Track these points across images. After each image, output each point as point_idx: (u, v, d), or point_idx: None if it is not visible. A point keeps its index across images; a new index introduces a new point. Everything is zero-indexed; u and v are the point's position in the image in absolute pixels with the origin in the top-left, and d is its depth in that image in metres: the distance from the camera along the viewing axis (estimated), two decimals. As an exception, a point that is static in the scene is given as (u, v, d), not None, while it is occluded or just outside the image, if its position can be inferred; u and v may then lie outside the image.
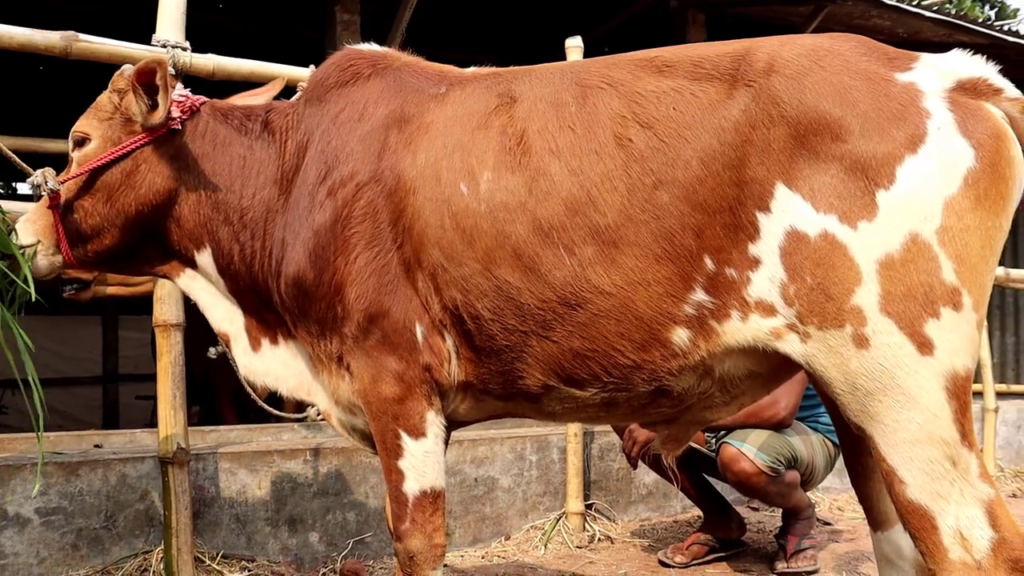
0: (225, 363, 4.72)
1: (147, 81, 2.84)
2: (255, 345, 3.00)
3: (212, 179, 2.92)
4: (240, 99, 3.33)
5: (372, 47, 3.04)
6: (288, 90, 3.60)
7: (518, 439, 5.15)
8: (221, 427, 5.72)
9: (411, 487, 2.66)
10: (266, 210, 2.88)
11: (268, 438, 5.68)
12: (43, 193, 2.88)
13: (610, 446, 5.47)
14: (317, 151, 2.80)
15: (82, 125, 2.97)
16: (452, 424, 2.83)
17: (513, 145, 2.51)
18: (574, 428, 5.19)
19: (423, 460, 2.66)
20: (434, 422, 2.67)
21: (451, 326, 2.60)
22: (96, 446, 5.10)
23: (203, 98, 3.06)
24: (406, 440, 2.65)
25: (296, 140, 2.90)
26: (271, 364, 2.99)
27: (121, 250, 2.97)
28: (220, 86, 3.92)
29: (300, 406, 6.53)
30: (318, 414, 5.01)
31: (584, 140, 2.45)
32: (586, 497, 5.29)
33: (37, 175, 2.89)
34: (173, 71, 3.90)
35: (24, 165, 3.25)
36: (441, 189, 2.56)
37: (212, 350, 5.07)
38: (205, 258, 2.96)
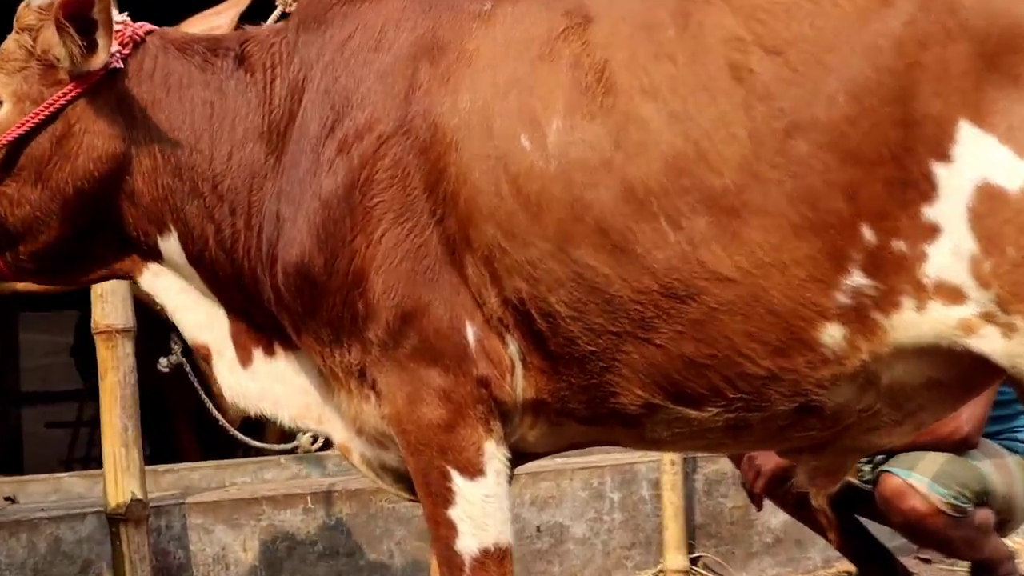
0: (181, 377, 4.93)
1: (78, 12, 2.95)
2: (244, 358, 3.16)
3: (169, 135, 3.05)
4: (195, 24, 3.48)
5: None
6: (259, 9, 3.75)
7: (593, 470, 5.30)
8: (180, 465, 5.92)
9: (467, 544, 2.79)
10: (249, 175, 3.02)
11: (246, 478, 5.88)
12: None
13: (720, 476, 5.61)
14: (319, 92, 2.93)
15: None
16: (518, 457, 2.95)
17: (591, 82, 2.62)
18: (671, 454, 5.33)
19: (482, 507, 2.79)
20: (495, 455, 2.80)
21: (515, 326, 2.74)
22: (7, 499, 5.28)
23: (148, 25, 3.20)
24: (458, 481, 2.79)
25: (288, 79, 3.03)
26: (267, 383, 3.15)
27: (65, 247, 3.11)
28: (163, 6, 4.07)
29: (287, 433, 6.73)
30: (313, 442, 5.20)
31: (689, 73, 2.55)
32: (690, 548, 5.43)
33: None
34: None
35: None
36: (494, 143, 2.69)
37: (163, 360, 5.27)
38: (171, 244, 3.11)
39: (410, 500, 3.17)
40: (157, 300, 3.26)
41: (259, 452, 5.90)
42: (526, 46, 2.74)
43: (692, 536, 5.55)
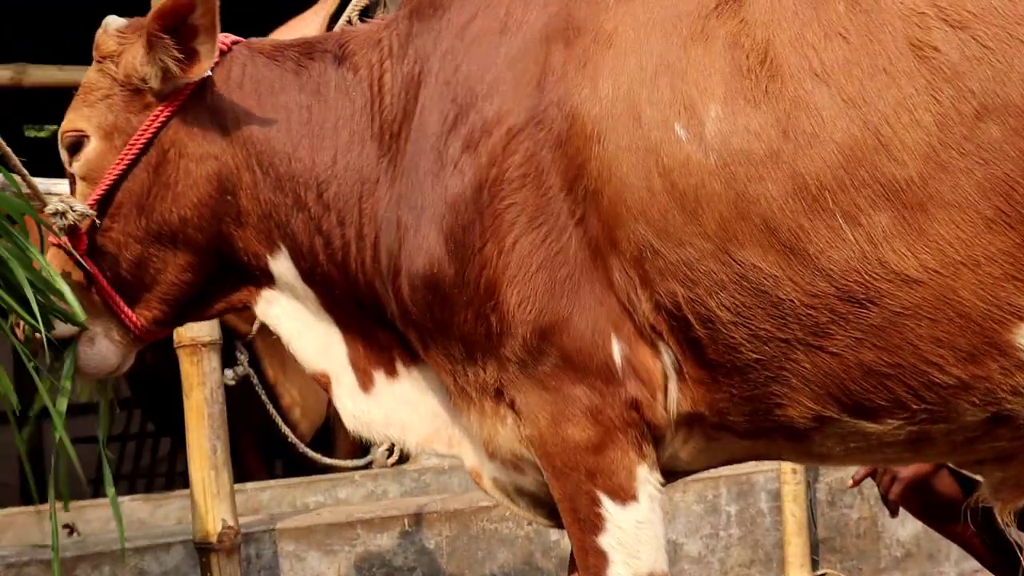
0: (248, 391, 4.97)
1: (175, 20, 2.98)
2: (365, 382, 3.18)
3: (265, 146, 3.08)
4: (282, 35, 3.50)
5: None
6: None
7: (708, 481, 5.30)
8: (247, 485, 5.99)
9: (619, 574, 2.80)
10: (358, 180, 3.04)
11: (319, 497, 5.93)
12: (70, 223, 3.03)
13: (842, 484, 5.59)
14: (439, 85, 2.94)
15: (70, 121, 3.13)
16: (669, 475, 2.95)
17: (753, 65, 2.61)
18: (790, 463, 5.31)
19: (635, 535, 2.79)
20: (648, 479, 2.81)
21: (669, 333, 2.73)
22: (67, 528, 5.28)
23: (231, 36, 3.23)
24: (608, 506, 2.79)
25: (401, 74, 3.04)
26: (392, 407, 3.17)
27: (186, 285, 3.16)
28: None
29: (359, 447, 6.78)
30: (388, 455, 5.23)
31: (864, 53, 2.53)
32: (813, 565, 5.42)
33: (57, 201, 3.04)
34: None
35: (28, 176, 3.39)
36: (644, 133, 2.68)
37: (228, 372, 5.31)
38: (282, 264, 3.14)
39: (551, 526, 3.19)
40: (273, 329, 3.30)
41: (328, 469, 5.95)
42: (674, 25, 2.72)
43: (815, 551, 5.54)
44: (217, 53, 3.03)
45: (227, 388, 4.51)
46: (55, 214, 3.01)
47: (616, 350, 2.75)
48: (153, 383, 7.23)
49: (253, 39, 3.28)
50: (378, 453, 5.36)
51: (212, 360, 4.15)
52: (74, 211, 3.01)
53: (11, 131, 12.43)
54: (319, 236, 3.06)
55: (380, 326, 3.12)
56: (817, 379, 2.63)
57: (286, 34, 3.48)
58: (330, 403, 6.26)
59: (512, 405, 2.89)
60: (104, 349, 3.14)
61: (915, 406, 2.59)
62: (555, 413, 2.80)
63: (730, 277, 2.62)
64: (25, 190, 3.17)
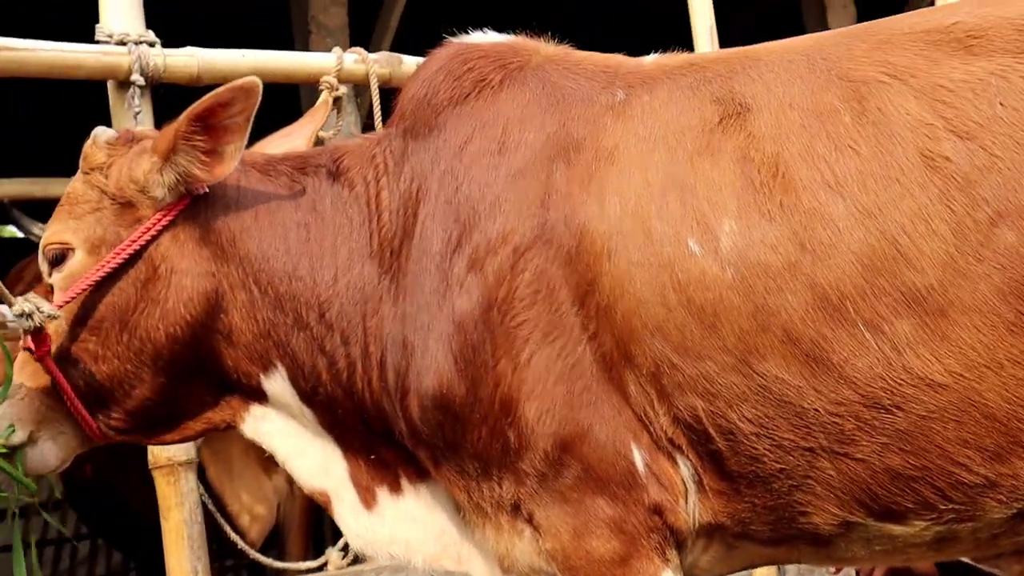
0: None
1: (208, 122, 2.98)
2: (368, 500, 3.15)
3: (264, 264, 3.07)
4: (270, 146, 3.49)
5: (491, 36, 3.20)
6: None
7: None
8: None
9: None
10: (361, 299, 3.03)
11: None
12: (36, 325, 2.96)
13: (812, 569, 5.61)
14: (440, 204, 2.96)
15: (55, 232, 3.10)
16: (687, 583, 2.99)
17: (765, 178, 2.67)
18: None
19: None
20: None
21: (688, 446, 2.76)
22: None
23: None
24: None
25: (398, 191, 3.05)
26: (397, 525, 3.14)
27: (161, 401, 3.10)
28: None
29: (312, 549, 6.71)
30: (343, 556, 5.16)
31: (876, 164, 2.60)
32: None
33: (22, 301, 2.97)
34: (141, 80, 4.08)
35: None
36: (655, 249, 2.72)
37: None
38: (277, 383, 3.11)
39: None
40: (265, 447, 3.24)
41: (282, 572, 5.88)
42: (677, 140, 2.78)
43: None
44: (240, 153, 3.02)
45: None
46: (21, 315, 2.95)
47: (637, 457, 2.77)
48: (92, 493, 7.13)
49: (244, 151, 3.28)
50: (333, 554, 5.28)
51: (189, 480, 4.09)
52: (40, 312, 2.96)
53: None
54: (322, 356, 3.04)
55: (385, 444, 3.10)
56: (843, 485, 2.67)
57: (271, 147, 3.47)
58: (279, 507, 6.27)
59: (530, 519, 2.89)
60: (46, 451, 3.08)
61: (942, 506, 2.64)
62: (577, 526, 2.81)
63: (752, 389, 2.66)
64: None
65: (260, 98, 3.00)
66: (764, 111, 2.74)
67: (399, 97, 3.22)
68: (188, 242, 3.05)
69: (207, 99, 2.96)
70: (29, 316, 2.95)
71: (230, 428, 3.23)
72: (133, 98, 4.06)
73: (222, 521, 4.74)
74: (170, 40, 4.23)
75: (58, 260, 3.07)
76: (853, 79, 2.70)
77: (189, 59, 4.22)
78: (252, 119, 3.00)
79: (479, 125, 2.99)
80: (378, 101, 4.52)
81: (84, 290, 3.00)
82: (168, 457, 4.07)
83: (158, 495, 4.10)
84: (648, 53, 3.21)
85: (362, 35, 6.95)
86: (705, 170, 2.73)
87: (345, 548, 5.08)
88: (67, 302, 3.01)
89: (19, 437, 3.02)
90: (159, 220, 3.04)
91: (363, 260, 3.05)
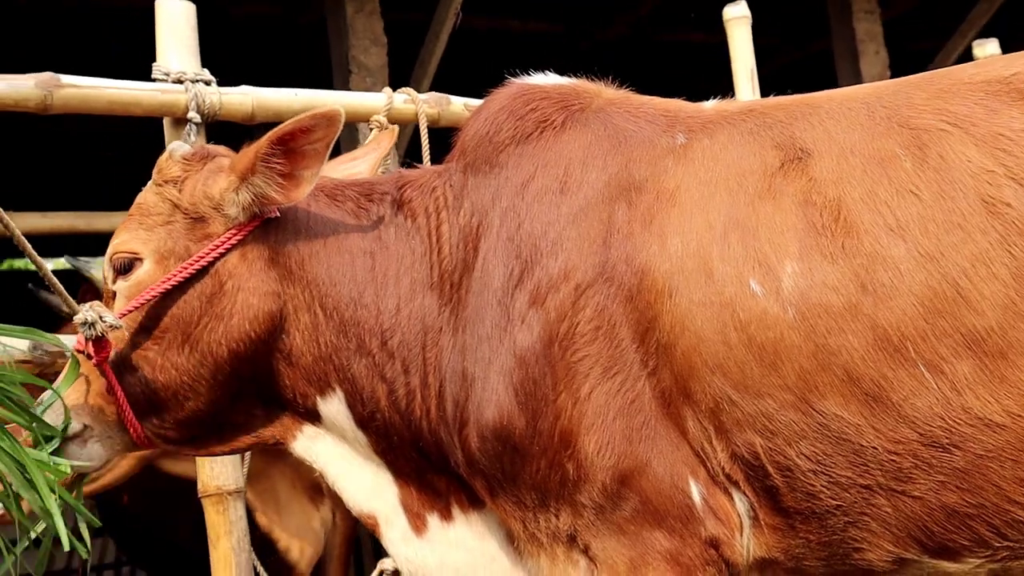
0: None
1: (288, 147, 3.06)
2: (418, 526, 3.22)
3: (331, 289, 3.14)
4: (334, 169, 3.58)
5: (552, 79, 3.29)
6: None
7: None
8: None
9: None
10: (421, 329, 3.11)
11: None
12: (97, 334, 3.03)
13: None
14: (500, 240, 3.04)
15: (125, 241, 3.16)
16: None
17: (828, 222, 2.74)
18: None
19: None
20: None
21: (745, 481, 2.83)
22: None
23: None
24: None
25: (458, 225, 3.14)
26: (446, 552, 3.21)
27: (213, 413, 3.18)
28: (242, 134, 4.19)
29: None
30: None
31: (937, 209, 2.68)
32: None
33: (86, 310, 3.04)
34: (197, 117, 4.17)
35: (59, 286, 3.43)
36: (716, 289, 2.79)
37: None
38: (333, 407, 3.18)
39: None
40: (315, 466, 3.31)
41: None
42: (738, 183, 2.86)
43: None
44: (316, 179, 3.10)
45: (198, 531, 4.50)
46: (84, 324, 3.02)
47: (695, 491, 2.83)
48: (128, 521, 7.20)
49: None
50: (376, 581, 5.31)
51: (238, 508, 4.13)
52: (103, 321, 3.02)
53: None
54: (383, 383, 3.12)
55: (438, 471, 3.17)
56: (899, 522, 2.73)
57: (336, 171, 3.55)
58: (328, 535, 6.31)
59: (586, 550, 2.95)
60: (92, 451, 3.15)
61: (997, 544, 2.70)
62: (634, 558, 2.87)
63: (811, 426, 2.72)
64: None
65: (341, 128, 3.08)
66: (825, 156, 2.82)
67: (460, 134, 3.32)
68: (257, 262, 3.13)
69: (290, 124, 3.05)
70: (91, 325, 3.01)
71: (278, 444, 3.29)
72: (189, 135, 4.13)
73: (258, 566, 4.78)
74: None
75: (125, 268, 3.15)
76: (913, 127, 2.77)
77: (244, 97, 4.30)
78: (331, 147, 3.08)
79: (541, 164, 3.07)
80: (427, 140, 4.60)
81: (149, 300, 3.08)
82: (217, 486, 4.12)
83: (207, 523, 4.15)
84: (683, 97, 3.30)
85: (401, 76, 7.05)
86: (767, 213, 2.80)
87: (393, 576, 5.14)
88: (131, 311, 3.08)
89: (74, 428, 3.09)
90: (230, 238, 3.12)
91: (424, 291, 3.12)
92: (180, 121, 4.20)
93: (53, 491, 2.77)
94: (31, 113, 4.01)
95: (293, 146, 3.07)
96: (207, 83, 4.23)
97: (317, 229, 3.20)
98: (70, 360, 3.14)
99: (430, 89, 5.60)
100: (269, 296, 3.13)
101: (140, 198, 3.25)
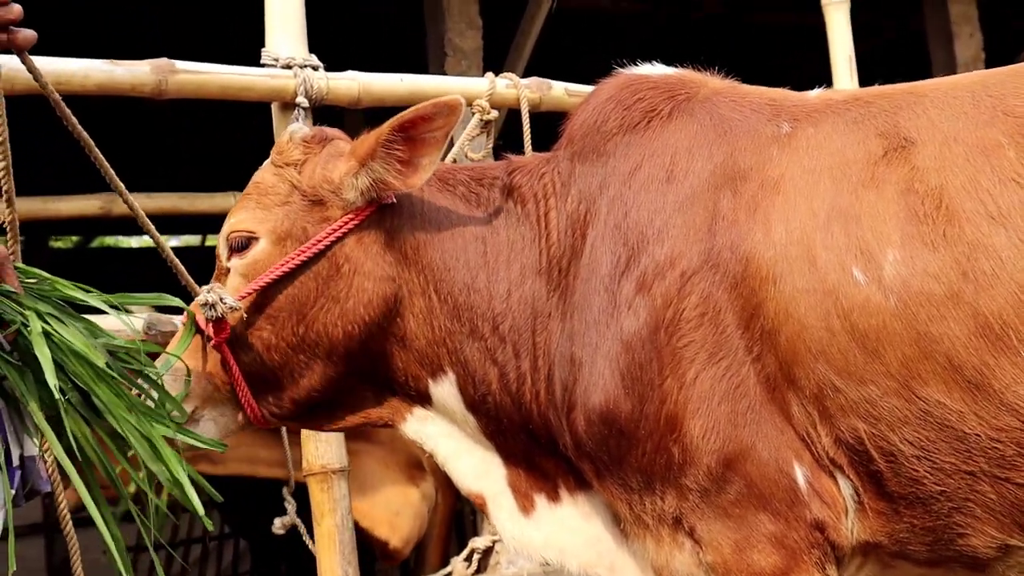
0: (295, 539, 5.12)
1: (408, 134, 3.15)
2: (526, 506, 3.31)
3: (446, 275, 3.24)
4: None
5: (659, 69, 3.37)
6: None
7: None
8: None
9: None
10: (531, 314, 3.20)
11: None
12: (218, 315, 3.13)
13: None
14: (608, 228, 3.12)
15: (242, 220, 3.25)
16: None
17: (930, 210, 2.80)
18: None
19: None
20: None
21: (849, 466, 2.89)
22: None
23: None
24: None
25: (566, 212, 3.23)
26: (552, 531, 3.30)
27: (324, 393, 3.28)
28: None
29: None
30: (468, 566, 5.31)
31: None
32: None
33: (207, 291, 3.15)
34: (305, 102, 4.29)
35: (181, 266, 3.52)
36: (820, 276, 2.86)
37: (277, 521, 5.41)
38: (445, 389, 3.28)
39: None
40: (424, 447, 3.42)
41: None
42: (842, 172, 2.92)
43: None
44: (434, 167, 3.18)
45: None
46: (205, 305, 3.11)
47: (799, 475, 2.90)
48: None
49: None
50: (458, 564, 5.43)
51: (342, 487, 4.26)
52: (224, 303, 3.10)
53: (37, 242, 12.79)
54: (494, 367, 3.20)
55: (545, 454, 3.25)
56: (1003, 508, 2.78)
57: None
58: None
59: (692, 532, 3.02)
60: (205, 430, 3.23)
61: None
62: (739, 540, 2.95)
63: (914, 413, 2.78)
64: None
65: (461, 117, 3.18)
66: (928, 145, 2.86)
67: (568, 122, 3.39)
68: (373, 246, 3.21)
69: (411, 111, 3.14)
70: (212, 307, 3.10)
71: (387, 425, 3.39)
72: (297, 119, 4.25)
73: (308, 541, 4.89)
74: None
75: (241, 247, 3.22)
76: (1019, 115, 2.81)
77: (351, 83, 4.41)
78: (449, 136, 3.17)
79: (648, 154, 3.15)
80: (528, 125, 4.69)
81: (269, 282, 3.16)
82: (322, 465, 4.25)
83: (312, 502, 4.28)
84: (776, 80, 3.36)
85: (495, 59, 7.13)
86: (870, 201, 2.85)
87: (469, 558, 5.25)
88: (250, 293, 3.17)
89: (188, 405, 3.16)
90: (348, 221, 3.20)
91: (533, 276, 3.20)
92: (288, 105, 4.32)
93: (181, 465, 2.89)
94: (146, 98, 4.14)
95: (413, 133, 3.15)
96: (315, 68, 4.34)
97: (431, 215, 3.28)
98: (185, 326, 3.22)
99: (525, 72, 5.66)
100: (385, 280, 3.21)
101: (258, 177, 3.33)
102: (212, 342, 3.18)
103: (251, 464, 6.20)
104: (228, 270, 3.28)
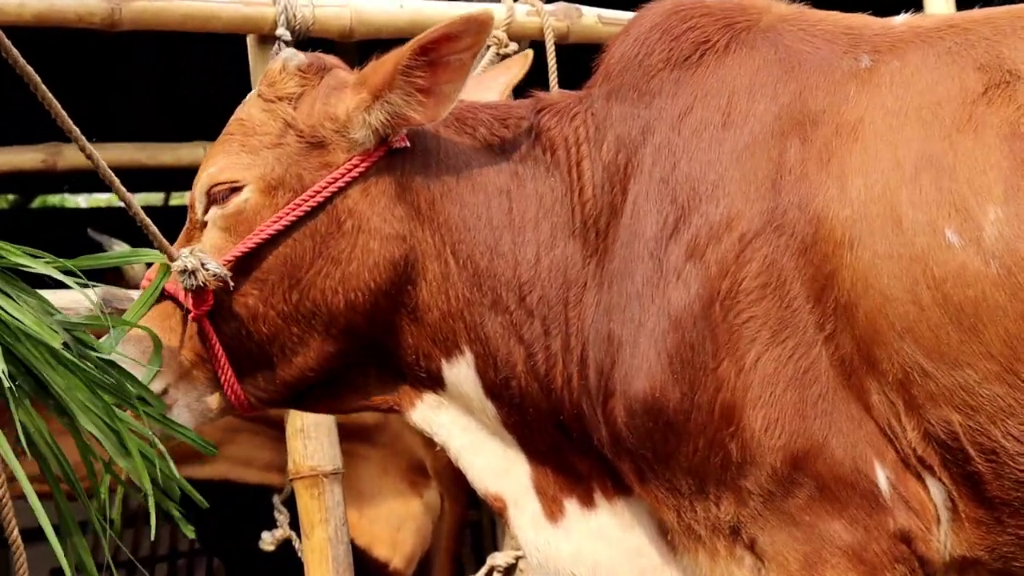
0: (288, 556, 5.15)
1: (430, 58, 3.12)
2: (553, 511, 3.31)
3: (465, 234, 3.22)
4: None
5: None
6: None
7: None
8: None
9: None
10: (564, 283, 3.19)
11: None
12: (199, 284, 3.10)
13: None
14: (653, 182, 3.11)
15: (224, 169, 3.23)
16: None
17: None
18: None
19: None
20: None
21: (941, 466, 2.89)
22: None
23: None
24: None
25: (603, 162, 3.21)
26: (584, 543, 3.30)
27: (321, 373, 3.28)
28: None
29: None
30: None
31: None
32: None
33: (186, 256, 3.11)
34: (287, 34, 4.29)
35: (152, 226, 3.46)
36: (906, 239, 2.84)
37: (267, 536, 5.43)
38: (460, 371, 3.27)
39: None
40: (435, 439, 3.41)
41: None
42: (933, 113, 2.90)
43: None
44: (457, 96, 3.17)
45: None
46: (184, 272, 3.08)
47: (881, 476, 2.90)
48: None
49: None
50: (478, 583, 5.44)
51: (335, 493, 4.28)
52: (206, 270, 3.08)
53: None
54: (520, 345, 3.20)
55: (578, 451, 3.26)
56: None
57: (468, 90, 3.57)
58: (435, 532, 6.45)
59: (752, 545, 3.02)
60: (178, 418, 3.20)
61: None
62: (809, 554, 2.94)
63: (1020, 401, 2.77)
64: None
65: (488, 35, 3.17)
66: None
67: (603, 56, 3.37)
68: (380, 198, 3.20)
69: (438, 29, 3.10)
70: (192, 274, 3.08)
71: (392, 411, 3.39)
72: (278, 55, 4.23)
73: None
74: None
75: (220, 198, 3.21)
76: None
77: (341, 10, 4.41)
78: (476, 58, 3.16)
79: (701, 94, 3.13)
80: (554, 60, 4.67)
81: (259, 243, 3.14)
82: (312, 467, 4.27)
83: (299, 509, 4.31)
84: (873, 13, 3.34)
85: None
86: (966, 148, 2.84)
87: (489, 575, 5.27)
88: (238, 257, 3.14)
89: (155, 387, 3.13)
90: (353, 167, 3.18)
91: (566, 238, 3.19)
92: (266, 38, 4.33)
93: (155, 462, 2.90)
94: (96, 30, 4.14)
95: (436, 56, 3.13)
96: (297, -7, 4.34)
97: (449, 162, 3.27)
98: (147, 289, 3.19)
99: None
100: (394, 240, 3.20)
101: (242, 114, 3.31)
102: (192, 315, 3.18)
103: (242, 466, 6.20)
104: (204, 224, 3.26)
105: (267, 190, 3.20)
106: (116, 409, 2.92)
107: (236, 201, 3.21)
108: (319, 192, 3.17)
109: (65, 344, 2.85)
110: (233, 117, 3.35)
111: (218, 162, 3.25)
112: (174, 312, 3.23)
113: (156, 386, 3.16)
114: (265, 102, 3.28)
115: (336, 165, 3.20)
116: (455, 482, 6.47)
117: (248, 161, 3.22)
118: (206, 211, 3.26)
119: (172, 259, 3.17)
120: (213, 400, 3.29)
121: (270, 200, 3.19)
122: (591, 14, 4.85)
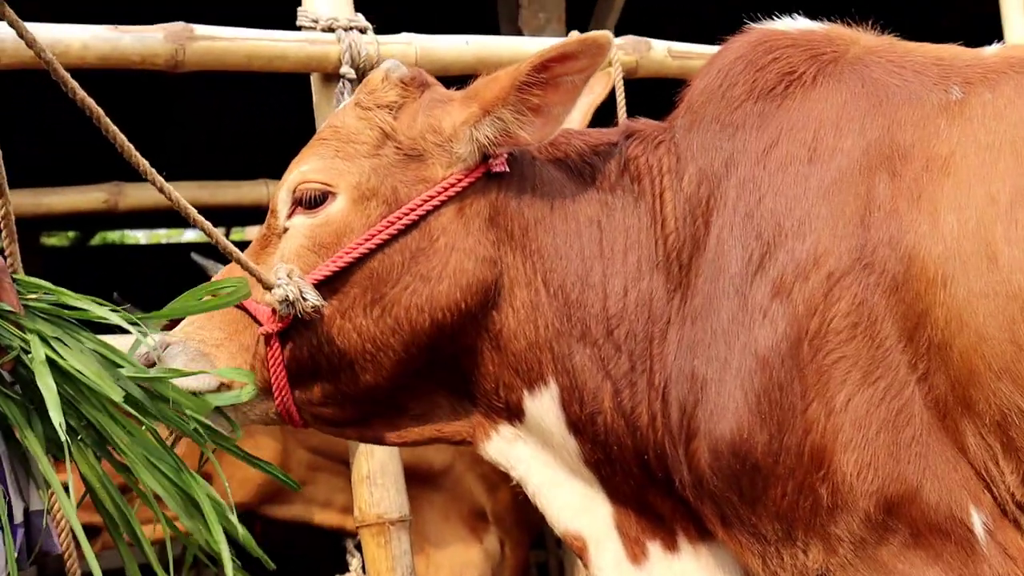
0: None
1: (547, 76, 3.12)
2: (636, 554, 3.27)
3: (557, 263, 3.20)
4: None
5: (800, 23, 3.31)
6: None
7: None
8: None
9: None
10: (649, 318, 3.16)
11: None
12: (297, 314, 3.06)
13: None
14: (737, 216, 3.08)
15: (316, 170, 3.21)
16: None
17: None
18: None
19: None
20: None
21: None
22: None
23: None
24: None
25: (683, 194, 3.19)
26: None
27: (390, 393, 3.25)
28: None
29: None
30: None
31: None
32: None
33: (286, 283, 3.03)
34: (352, 72, 4.26)
35: (240, 254, 3.31)
36: (1003, 276, 2.79)
37: None
38: (543, 404, 3.24)
39: None
40: (512, 474, 3.37)
41: None
42: None
43: None
44: (565, 119, 3.17)
45: None
46: (284, 301, 3.04)
47: (977, 522, 2.84)
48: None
49: None
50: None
51: (403, 541, 4.24)
52: (304, 299, 3.04)
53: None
54: (608, 380, 3.16)
55: (661, 492, 3.22)
56: None
57: None
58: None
59: None
60: (221, 424, 3.16)
61: None
62: None
63: None
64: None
65: (605, 58, 3.16)
66: None
67: (687, 88, 3.35)
68: (475, 219, 3.18)
69: (556, 48, 3.11)
70: (291, 304, 3.05)
71: (464, 443, 3.35)
72: (343, 93, 4.22)
73: None
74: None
75: (312, 202, 3.18)
76: None
77: (407, 47, 4.41)
78: (587, 83, 3.16)
79: (786, 127, 3.11)
80: (623, 95, 4.63)
81: (351, 261, 3.11)
82: (378, 514, 4.24)
83: (366, 558, 4.27)
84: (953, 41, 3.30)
85: (581, 11, 7.04)
86: None
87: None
88: (329, 275, 3.11)
89: (207, 383, 3.13)
90: (452, 184, 3.17)
91: (651, 271, 3.17)
92: (331, 77, 4.31)
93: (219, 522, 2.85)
94: (159, 71, 4.13)
95: (550, 76, 3.12)
96: (362, 31, 4.32)
97: (543, 189, 3.25)
98: (219, 296, 3.11)
99: (616, 27, 5.59)
100: (486, 262, 3.18)
101: (337, 121, 3.30)
102: (262, 329, 3.15)
103: (320, 508, 6.15)
104: (285, 230, 3.25)
105: (359, 199, 3.18)
106: (184, 465, 2.88)
107: (326, 210, 3.18)
108: (416, 208, 3.15)
109: (126, 397, 2.79)
110: (326, 123, 3.35)
111: (311, 163, 3.24)
112: (242, 317, 3.21)
113: (210, 379, 3.14)
114: (363, 110, 3.26)
115: (433, 180, 3.19)
116: (516, 527, 6.45)
117: (343, 167, 3.20)
118: (289, 216, 3.24)
119: (268, 287, 3.10)
120: (264, 404, 3.24)
121: (361, 211, 3.17)
122: (661, 47, 4.81)
